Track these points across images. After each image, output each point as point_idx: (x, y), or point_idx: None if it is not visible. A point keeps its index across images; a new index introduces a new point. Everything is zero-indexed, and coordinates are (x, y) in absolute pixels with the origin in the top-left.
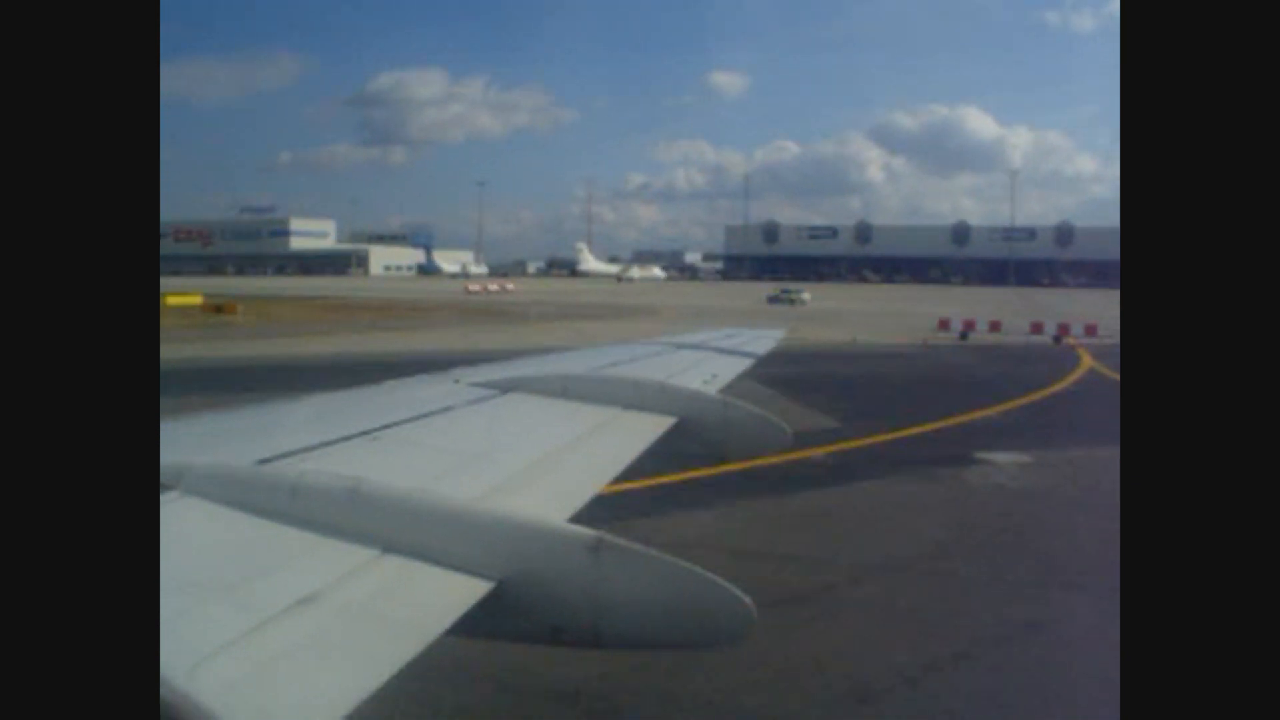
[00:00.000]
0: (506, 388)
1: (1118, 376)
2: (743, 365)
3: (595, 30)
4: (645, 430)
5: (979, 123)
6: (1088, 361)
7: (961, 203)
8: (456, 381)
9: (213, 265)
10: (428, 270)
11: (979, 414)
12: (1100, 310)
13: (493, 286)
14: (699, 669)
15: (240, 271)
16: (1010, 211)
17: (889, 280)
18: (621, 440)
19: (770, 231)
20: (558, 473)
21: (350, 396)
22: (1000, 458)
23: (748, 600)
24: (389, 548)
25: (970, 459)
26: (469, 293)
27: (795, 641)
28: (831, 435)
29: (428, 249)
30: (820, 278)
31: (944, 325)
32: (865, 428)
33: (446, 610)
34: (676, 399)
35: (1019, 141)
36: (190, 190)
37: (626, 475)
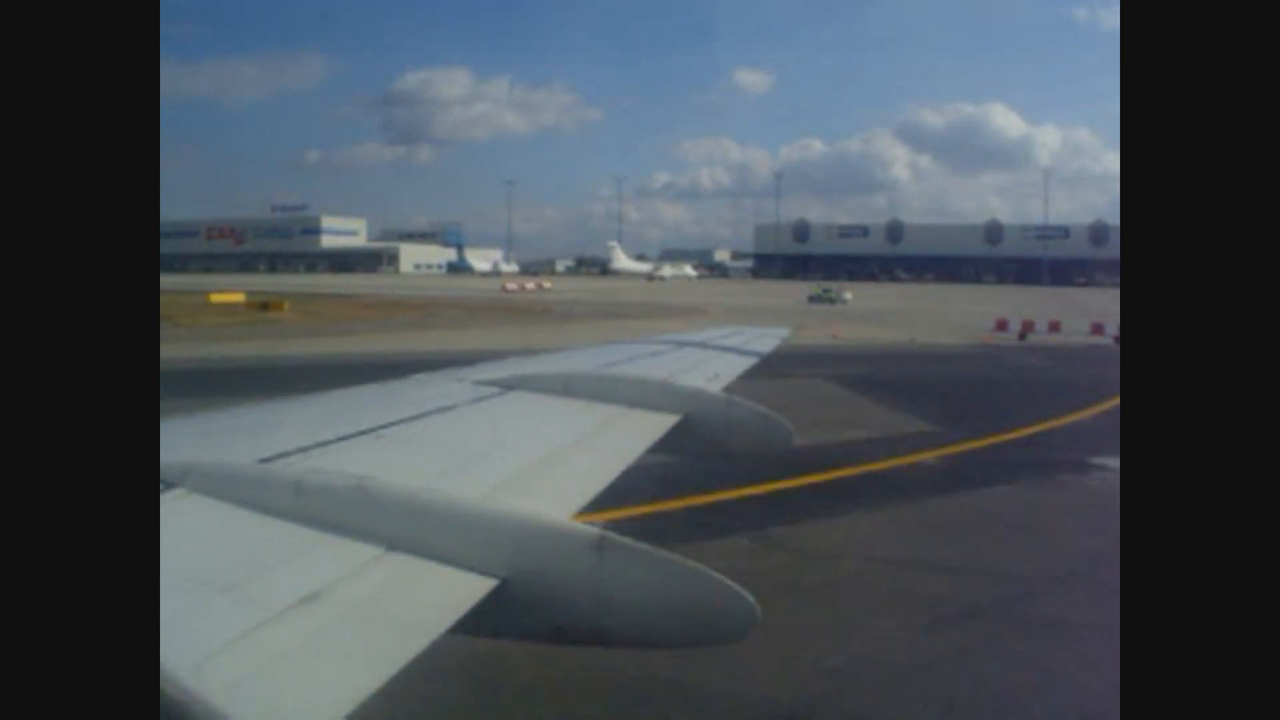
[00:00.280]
0: (510, 386)
1: None
2: (746, 363)
3: (619, 30)
4: (648, 428)
5: (1005, 120)
6: None
7: (988, 201)
8: (460, 380)
9: (245, 263)
10: (458, 268)
11: (1071, 418)
12: None
13: (529, 285)
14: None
15: (272, 269)
16: (1043, 210)
17: (919, 279)
18: (625, 438)
19: (801, 230)
20: (561, 471)
21: (354, 394)
22: (1116, 464)
23: (750, 598)
24: (392, 546)
25: (1086, 464)
26: (506, 291)
27: (1013, 663)
28: (930, 440)
29: (459, 247)
30: (851, 276)
31: (1001, 326)
32: (962, 432)
33: (450, 608)
34: (679, 397)
35: (1046, 139)
36: (220, 189)
37: (736, 479)
